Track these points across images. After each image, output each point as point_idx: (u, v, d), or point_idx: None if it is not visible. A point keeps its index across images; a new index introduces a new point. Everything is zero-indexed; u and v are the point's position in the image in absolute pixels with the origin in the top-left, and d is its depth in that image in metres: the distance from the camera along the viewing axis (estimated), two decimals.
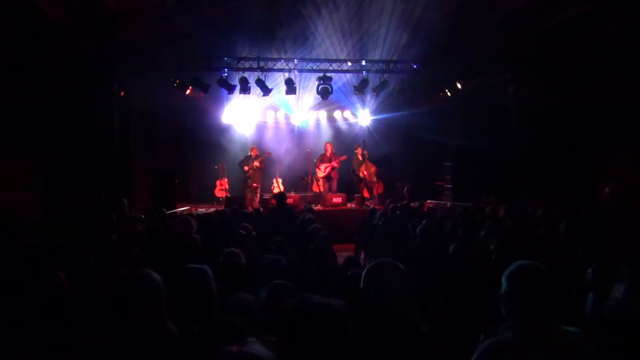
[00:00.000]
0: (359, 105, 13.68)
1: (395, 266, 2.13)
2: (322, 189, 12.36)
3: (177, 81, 10.67)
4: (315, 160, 12.56)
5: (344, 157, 12.34)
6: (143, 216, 7.73)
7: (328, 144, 12.56)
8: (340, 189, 12.47)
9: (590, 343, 2.00)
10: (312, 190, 12.61)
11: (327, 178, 12.31)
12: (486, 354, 1.96)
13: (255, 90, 11.37)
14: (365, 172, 12.05)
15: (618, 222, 5.60)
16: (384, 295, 2.00)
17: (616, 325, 2.24)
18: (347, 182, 12.81)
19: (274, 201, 8.73)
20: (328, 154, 12.33)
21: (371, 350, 1.93)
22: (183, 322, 2.24)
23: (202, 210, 11.07)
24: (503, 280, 2.06)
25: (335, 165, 12.21)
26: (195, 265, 2.51)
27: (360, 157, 12.26)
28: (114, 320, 2.12)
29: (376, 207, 9.74)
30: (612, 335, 2.28)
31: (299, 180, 12.95)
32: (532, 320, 1.96)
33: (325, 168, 12.20)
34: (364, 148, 12.34)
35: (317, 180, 12.45)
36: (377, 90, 11.58)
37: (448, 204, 10.57)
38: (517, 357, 1.92)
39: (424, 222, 5.44)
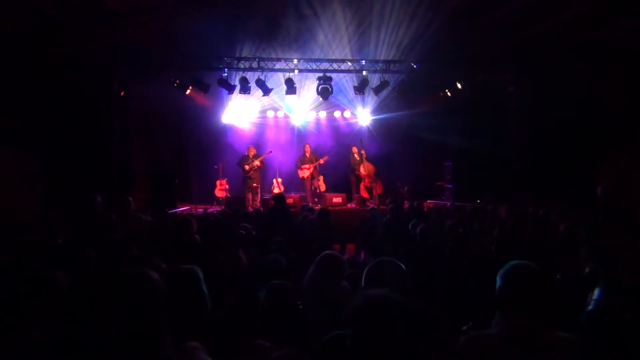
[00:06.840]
0: (359, 105, 13.67)
1: (396, 265, 2.12)
2: (321, 189, 12.34)
3: (177, 81, 10.67)
4: (295, 162, 12.52)
5: (326, 158, 12.29)
6: (143, 216, 7.72)
7: (307, 145, 12.48)
8: (340, 189, 12.44)
9: (579, 349, 1.98)
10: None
11: (310, 178, 12.28)
12: (469, 344, 1.97)
13: (255, 90, 11.36)
14: (364, 172, 11.99)
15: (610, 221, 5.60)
16: None
17: (596, 328, 2.23)
18: (347, 182, 12.79)
19: (272, 201, 8.71)
20: (308, 155, 12.29)
21: (371, 349, 1.92)
22: (172, 322, 2.23)
23: (202, 210, 11.05)
24: (498, 277, 2.08)
25: (321, 162, 12.17)
26: (185, 266, 2.51)
27: (357, 157, 12.12)
28: (112, 321, 2.01)
29: (376, 207, 9.73)
30: (594, 340, 2.27)
31: (299, 180, 12.93)
32: (523, 319, 1.96)
33: (309, 168, 12.16)
34: (361, 147, 12.19)
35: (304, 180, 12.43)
36: (377, 90, 11.57)
37: (448, 204, 10.56)
38: (501, 352, 1.92)
39: (422, 222, 5.44)
